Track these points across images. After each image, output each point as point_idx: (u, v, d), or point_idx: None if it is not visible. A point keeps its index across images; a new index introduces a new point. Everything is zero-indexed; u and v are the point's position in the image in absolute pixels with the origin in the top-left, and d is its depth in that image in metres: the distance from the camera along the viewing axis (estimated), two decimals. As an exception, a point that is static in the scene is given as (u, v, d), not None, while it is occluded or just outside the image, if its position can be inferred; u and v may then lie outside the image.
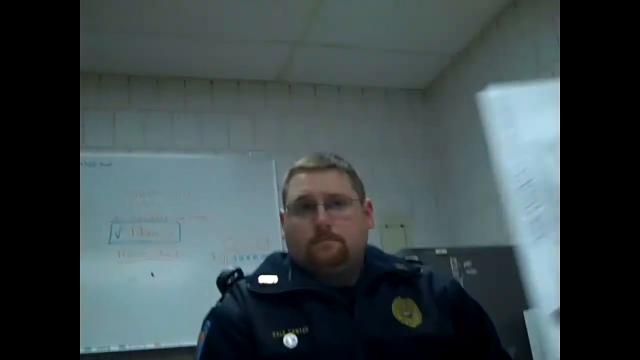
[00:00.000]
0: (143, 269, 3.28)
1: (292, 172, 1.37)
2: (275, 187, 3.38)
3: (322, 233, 1.27)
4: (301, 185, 1.32)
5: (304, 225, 1.29)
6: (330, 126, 3.85)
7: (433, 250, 2.56)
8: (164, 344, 3.10)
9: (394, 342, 1.21)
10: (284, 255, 1.41)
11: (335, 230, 1.27)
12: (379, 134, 3.93)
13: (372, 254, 1.36)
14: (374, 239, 1.41)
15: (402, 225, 3.66)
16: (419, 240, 3.56)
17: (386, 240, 3.41)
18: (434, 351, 1.22)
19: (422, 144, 3.98)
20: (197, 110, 3.72)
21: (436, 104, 4.03)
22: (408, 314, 1.26)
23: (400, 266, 1.34)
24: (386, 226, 3.59)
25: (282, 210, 1.40)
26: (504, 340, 1.40)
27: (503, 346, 1.33)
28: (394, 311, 1.26)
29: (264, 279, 1.30)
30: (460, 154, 3.68)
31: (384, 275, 1.30)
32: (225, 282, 1.37)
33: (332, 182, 1.33)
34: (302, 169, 1.35)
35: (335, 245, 1.27)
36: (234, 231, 3.44)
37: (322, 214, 1.27)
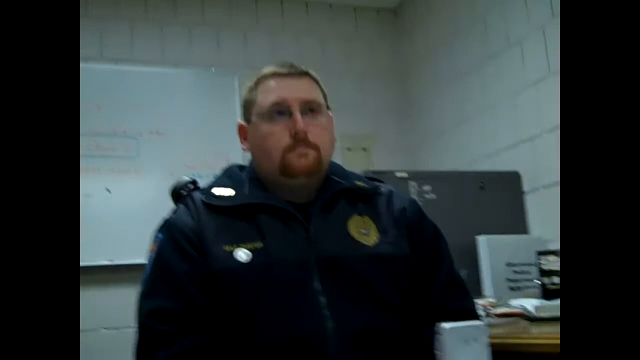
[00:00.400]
0: (98, 185, 3.21)
1: (261, 80, 1.31)
2: (238, 104, 3.30)
3: (299, 140, 1.22)
4: (274, 91, 1.27)
5: (279, 132, 1.23)
6: (296, 43, 3.75)
7: (393, 173, 2.54)
8: (117, 261, 3.08)
9: (348, 259, 1.20)
10: (241, 168, 1.37)
11: (311, 138, 1.23)
12: (346, 53, 3.84)
13: (331, 170, 1.33)
14: (336, 162, 1.38)
15: (364, 149, 3.65)
16: (381, 163, 3.55)
17: (348, 163, 3.36)
18: (388, 269, 1.22)
19: (389, 65, 3.92)
20: (158, 21, 3.57)
21: (406, 26, 3.95)
22: (365, 232, 1.25)
23: (359, 183, 1.32)
24: (348, 149, 3.57)
25: (243, 122, 1.35)
26: (458, 263, 1.42)
27: (456, 268, 1.33)
28: (350, 228, 1.24)
29: (220, 191, 1.26)
30: (426, 77, 3.64)
31: (343, 192, 1.28)
32: (179, 193, 1.33)
33: (307, 89, 1.28)
34: (273, 75, 1.29)
35: (312, 154, 1.23)
36: (194, 148, 3.37)
37: (300, 121, 1.22)
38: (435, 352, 0.69)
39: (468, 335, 0.68)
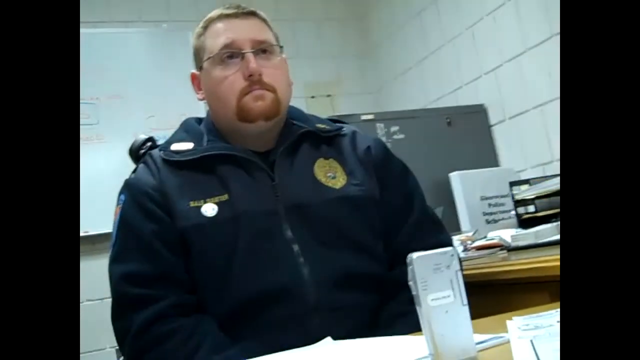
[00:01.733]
0: (61, 154, 3.12)
1: (208, 24, 1.25)
2: (194, 60, 3.20)
3: (254, 82, 1.17)
4: (222, 33, 1.21)
5: (232, 76, 1.18)
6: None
7: (359, 116, 2.51)
8: (92, 232, 3.02)
9: (317, 204, 1.17)
10: (199, 120, 1.32)
11: (266, 79, 1.18)
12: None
13: (292, 115, 1.29)
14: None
15: (328, 95, 3.59)
16: (347, 109, 3.51)
17: (312, 111, 3.32)
18: (358, 211, 1.19)
19: (345, 9, 3.83)
20: (104, -20, 3.42)
21: (360, -33, 3.86)
22: (332, 175, 1.22)
23: (321, 126, 1.28)
24: (312, 97, 3.51)
25: (196, 71, 1.29)
26: (433, 202, 1.40)
27: (427, 204, 1.31)
28: (317, 172, 1.21)
29: (178, 146, 1.22)
30: (383, 17, 3.58)
31: (305, 136, 1.24)
32: (138, 153, 1.29)
33: (257, 29, 1.23)
34: (220, 17, 1.23)
35: (269, 96, 1.18)
36: (155, 108, 3.28)
37: (253, 61, 1.17)
38: (409, 283, 0.67)
39: (438, 263, 0.67)
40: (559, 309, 0.86)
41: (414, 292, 0.67)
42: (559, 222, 1.62)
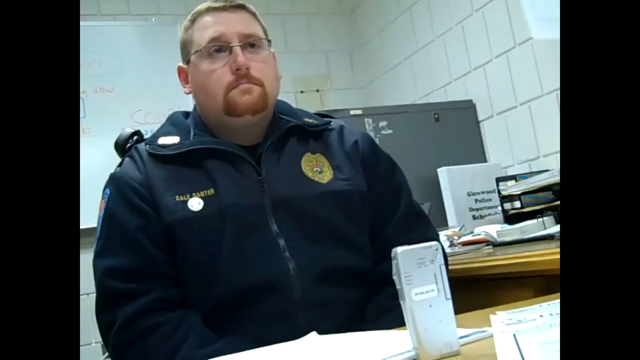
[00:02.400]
0: (47, 149, 3.09)
1: (196, 17, 1.24)
2: (183, 53, 3.18)
3: (242, 76, 1.17)
4: (210, 26, 1.20)
5: (219, 69, 1.18)
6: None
7: (348, 111, 2.51)
8: (81, 226, 2.99)
9: (303, 199, 1.17)
10: (186, 114, 1.31)
11: (254, 73, 1.18)
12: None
13: (279, 109, 1.28)
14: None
15: (317, 90, 3.59)
16: (336, 104, 3.50)
17: (302, 106, 3.32)
18: (344, 206, 1.20)
19: (335, 3, 3.82)
20: (92, -27, 3.39)
21: (350, -38, 3.85)
22: (318, 170, 1.22)
23: (309, 120, 1.28)
24: (301, 92, 3.50)
25: (183, 65, 1.29)
26: (420, 197, 1.41)
27: (413, 199, 1.31)
28: (304, 167, 1.21)
29: (165, 139, 1.21)
30: (374, 12, 3.57)
31: (292, 130, 1.24)
32: (124, 146, 1.28)
33: (245, 22, 1.22)
34: (208, 10, 1.22)
35: (256, 90, 1.18)
36: (143, 103, 3.26)
37: (241, 55, 1.17)
38: (393, 277, 0.67)
39: (422, 257, 0.67)
40: (542, 304, 0.86)
41: (398, 287, 0.68)
42: (559, 216, 1.62)
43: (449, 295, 0.68)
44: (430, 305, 0.67)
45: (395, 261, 0.67)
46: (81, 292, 2.90)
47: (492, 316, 0.82)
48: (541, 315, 0.79)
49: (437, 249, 0.68)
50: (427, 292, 0.67)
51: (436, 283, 0.68)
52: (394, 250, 0.68)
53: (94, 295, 1.14)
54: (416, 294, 0.67)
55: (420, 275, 0.67)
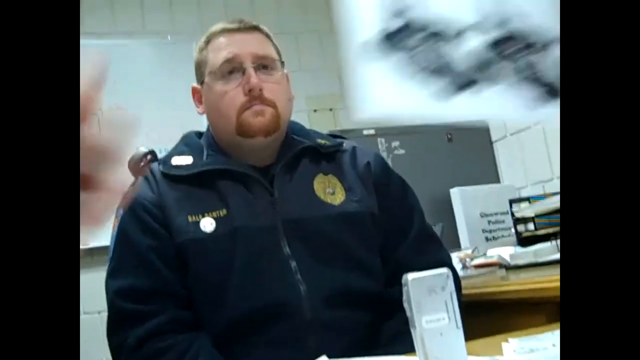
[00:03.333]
0: (61, 166, 3.12)
1: (210, 38, 1.25)
2: (198, 72, 3.21)
3: (254, 97, 1.17)
4: (224, 48, 1.21)
5: (232, 90, 1.18)
6: (251, 4, 3.64)
7: (360, 131, 2.51)
8: (92, 244, 3.01)
9: (315, 220, 1.17)
10: (200, 134, 1.32)
11: (267, 94, 1.18)
12: (302, 10, 3.74)
13: (292, 130, 1.28)
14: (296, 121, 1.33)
15: (331, 109, 3.59)
16: (350, 123, 3.50)
17: (315, 125, 3.33)
18: (356, 228, 1.19)
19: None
20: (108, -8, 3.44)
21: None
22: (331, 191, 1.22)
23: (322, 141, 1.28)
24: (315, 110, 3.51)
25: (197, 85, 1.29)
26: (433, 218, 1.40)
27: (426, 221, 1.31)
28: (316, 188, 1.21)
29: (178, 160, 1.22)
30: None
31: (305, 151, 1.24)
32: (138, 165, 1.29)
33: (259, 43, 1.22)
34: (223, 31, 1.23)
35: (269, 111, 1.18)
36: (157, 122, 3.28)
37: (254, 76, 1.17)
38: (404, 304, 0.66)
39: (433, 284, 0.66)
40: (555, 331, 0.85)
41: (408, 314, 0.67)
42: (559, 241, 1.61)
43: (460, 324, 0.67)
44: (441, 334, 0.66)
45: (405, 288, 0.67)
46: (93, 310, 2.92)
47: (503, 344, 0.81)
48: (554, 345, 0.78)
49: (448, 276, 0.68)
50: (437, 320, 0.66)
51: (447, 311, 0.67)
52: (404, 277, 0.67)
53: (106, 313, 1.14)
54: (427, 322, 0.66)
55: (430, 303, 0.66)
